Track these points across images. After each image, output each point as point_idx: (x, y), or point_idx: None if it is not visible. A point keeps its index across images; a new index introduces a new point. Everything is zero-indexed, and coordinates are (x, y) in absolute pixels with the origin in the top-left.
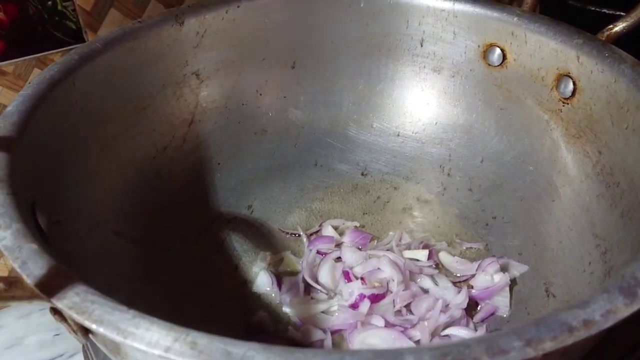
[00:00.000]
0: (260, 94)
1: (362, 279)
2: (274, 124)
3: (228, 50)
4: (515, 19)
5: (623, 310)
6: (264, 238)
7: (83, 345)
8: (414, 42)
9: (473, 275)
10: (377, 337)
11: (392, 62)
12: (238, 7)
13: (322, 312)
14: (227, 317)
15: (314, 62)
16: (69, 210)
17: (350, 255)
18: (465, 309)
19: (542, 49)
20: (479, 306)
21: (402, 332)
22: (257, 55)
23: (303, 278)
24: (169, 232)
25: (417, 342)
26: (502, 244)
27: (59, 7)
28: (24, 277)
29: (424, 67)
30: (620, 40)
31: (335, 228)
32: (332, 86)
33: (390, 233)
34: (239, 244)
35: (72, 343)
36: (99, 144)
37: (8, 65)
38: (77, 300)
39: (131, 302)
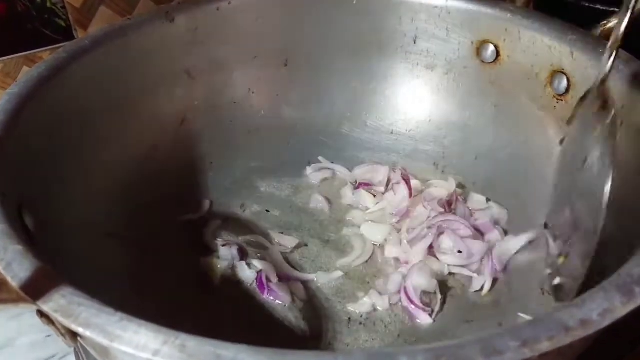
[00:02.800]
0: (253, 92)
1: None
2: (266, 122)
3: (219, 47)
4: (509, 15)
5: (620, 309)
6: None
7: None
8: (407, 39)
9: None
10: None
11: (385, 59)
12: (229, 4)
13: None
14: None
15: (306, 60)
16: (57, 210)
17: None
18: None
19: (536, 45)
20: None
21: None
22: (249, 53)
23: None
24: (160, 232)
25: None
26: None
27: (48, 5)
28: (9, 279)
29: (417, 64)
30: None
31: None
32: (325, 84)
33: None
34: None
35: (64, 344)
36: (88, 143)
37: None
38: (63, 303)
39: (121, 303)
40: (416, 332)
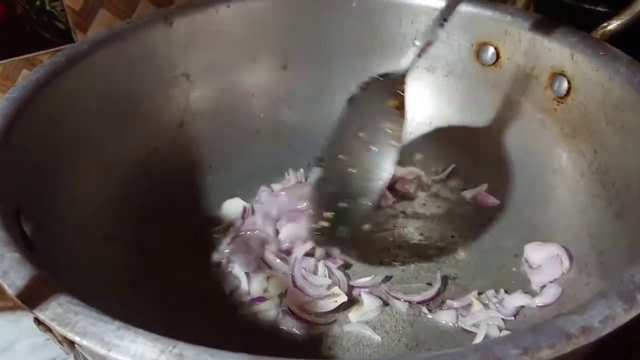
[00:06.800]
0: (252, 95)
1: None
2: (266, 125)
3: (218, 51)
4: (509, 17)
5: (622, 316)
6: None
7: None
8: (407, 41)
9: None
10: None
11: (385, 61)
12: (228, 7)
13: None
14: (221, 321)
15: (306, 62)
16: (56, 215)
17: None
18: None
19: (536, 47)
20: None
21: None
22: (248, 56)
23: None
24: (160, 236)
25: None
26: (497, 245)
27: (48, 7)
28: (6, 287)
29: (417, 66)
30: (615, 39)
31: None
32: (325, 86)
33: None
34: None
35: None
36: (87, 146)
37: None
38: (59, 312)
39: (121, 309)
40: (417, 337)
